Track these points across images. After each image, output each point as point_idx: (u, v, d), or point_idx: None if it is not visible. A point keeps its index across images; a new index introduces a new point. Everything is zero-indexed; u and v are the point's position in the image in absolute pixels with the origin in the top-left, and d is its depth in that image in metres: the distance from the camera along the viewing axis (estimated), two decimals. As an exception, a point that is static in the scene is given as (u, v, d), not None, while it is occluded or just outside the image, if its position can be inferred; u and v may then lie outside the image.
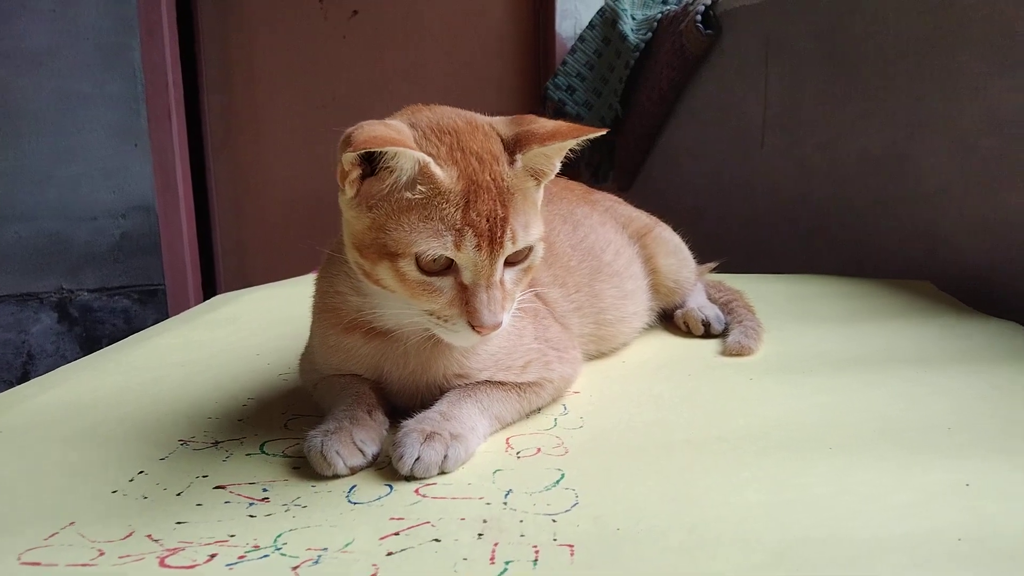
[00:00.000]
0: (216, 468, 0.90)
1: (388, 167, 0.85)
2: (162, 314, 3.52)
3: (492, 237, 0.86)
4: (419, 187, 0.85)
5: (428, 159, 0.85)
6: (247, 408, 1.10)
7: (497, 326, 0.88)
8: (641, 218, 1.46)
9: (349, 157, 0.84)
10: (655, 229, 1.44)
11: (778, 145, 2.41)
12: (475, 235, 0.85)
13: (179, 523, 0.77)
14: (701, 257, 1.67)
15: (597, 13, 3.25)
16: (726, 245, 2.62)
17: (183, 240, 3.55)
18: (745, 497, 0.81)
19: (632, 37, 3.01)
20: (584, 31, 3.28)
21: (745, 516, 0.76)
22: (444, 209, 0.85)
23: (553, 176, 0.96)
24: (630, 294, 1.31)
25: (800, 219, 2.33)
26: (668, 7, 3.02)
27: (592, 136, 0.91)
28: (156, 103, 3.43)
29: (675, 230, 1.53)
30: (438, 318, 0.89)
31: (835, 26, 2.16)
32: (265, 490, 0.84)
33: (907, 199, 1.92)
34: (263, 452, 0.95)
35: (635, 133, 3.10)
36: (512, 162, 0.90)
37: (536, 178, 0.94)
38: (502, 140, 0.91)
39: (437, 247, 0.84)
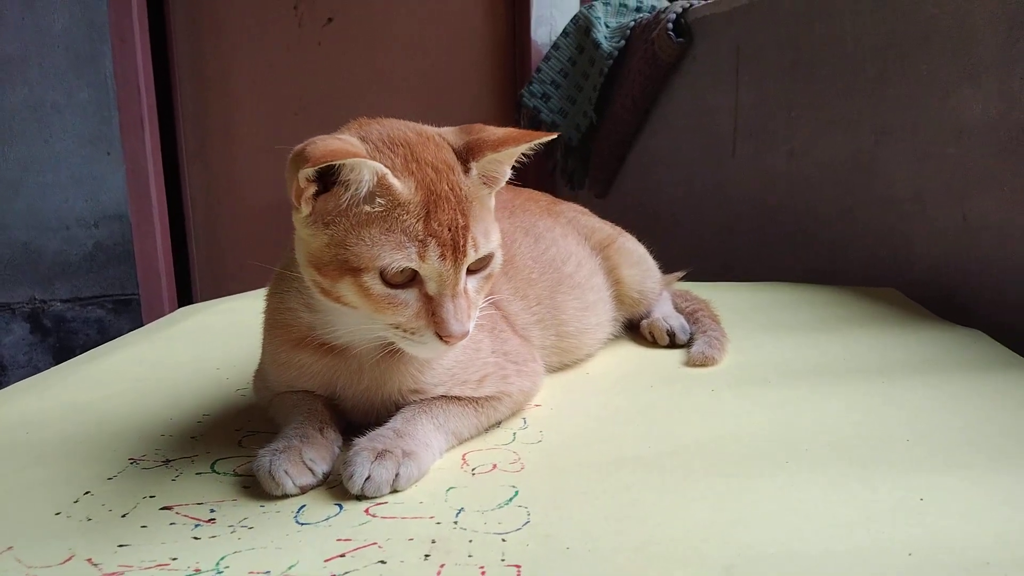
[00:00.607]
0: (164, 488, 0.89)
1: (344, 181, 0.84)
2: (137, 324, 3.48)
3: (455, 246, 0.85)
4: (378, 200, 0.84)
5: (386, 170, 0.84)
6: (202, 425, 1.09)
7: (465, 335, 0.88)
8: (604, 229, 1.46)
9: (306, 173, 0.82)
10: (618, 240, 1.44)
11: (749, 153, 2.43)
12: (438, 245, 0.84)
13: (121, 546, 0.76)
14: (675, 265, 1.67)
15: (571, 21, 3.26)
16: (700, 252, 2.64)
17: (157, 249, 3.52)
18: (694, 514, 0.80)
19: (605, 45, 3.02)
20: (558, 39, 3.29)
21: (693, 533, 0.76)
22: (405, 221, 0.84)
23: (504, 182, 0.95)
24: (592, 306, 1.31)
25: (770, 226, 2.34)
26: (641, 15, 3.03)
27: (543, 140, 0.92)
28: (128, 111, 3.41)
29: (650, 237, 1.53)
30: (404, 331, 0.88)
31: (799, 34, 2.17)
32: (212, 511, 0.83)
33: (874, 206, 1.93)
34: (214, 471, 0.93)
35: (610, 141, 3.10)
36: (467, 171, 0.90)
37: (488, 185, 0.94)
38: (453, 150, 0.91)
39: (401, 259, 0.84)
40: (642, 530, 0.77)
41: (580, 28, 3.19)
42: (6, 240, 3.35)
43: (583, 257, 1.34)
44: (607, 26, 3.10)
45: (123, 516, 0.83)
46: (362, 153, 0.84)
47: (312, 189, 0.85)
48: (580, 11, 3.22)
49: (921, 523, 0.77)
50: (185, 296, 3.83)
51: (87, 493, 0.88)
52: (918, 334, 1.45)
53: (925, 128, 1.75)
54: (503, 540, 0.76)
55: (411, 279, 0.86)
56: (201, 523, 0.80)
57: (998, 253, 1.57)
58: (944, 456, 0.94)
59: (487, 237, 0.90)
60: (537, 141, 0.91)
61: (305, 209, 0.87)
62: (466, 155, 0.90)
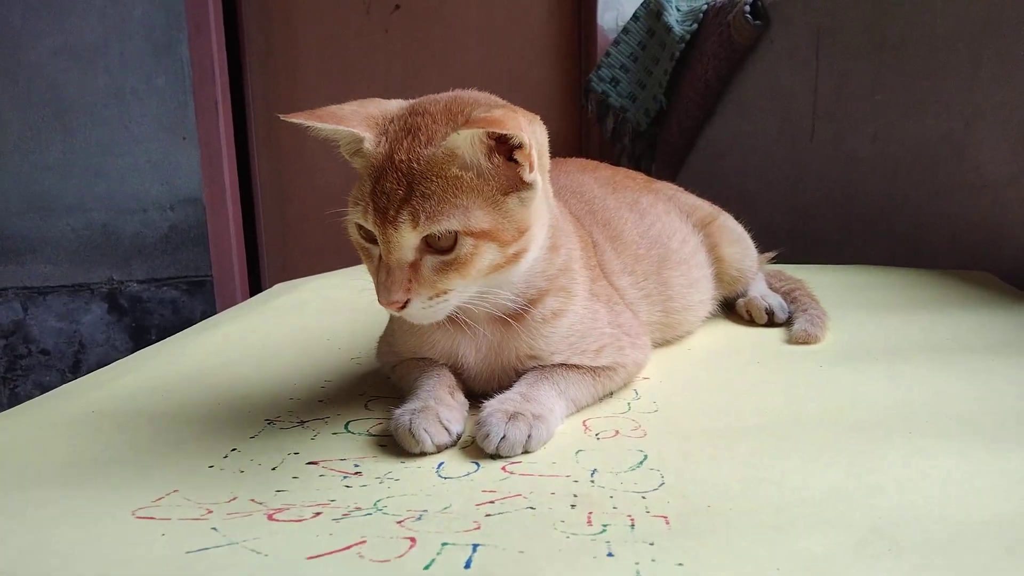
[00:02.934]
0: (306, 446, 0.93)
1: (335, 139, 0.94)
2: (209, 305, 3.58)
3: (385, 215, 0.87)
4: (358, 159, 0.94)
5: (363, 135, 0.91)
6: (326, 390, 1.13)
7: (392, 304, 0.89)
8: (704, 207, 1.47)
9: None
10: (719, 218, 1.44)
11: (828, 137, 2.40)
12: (374, 210, 0.88)
13: (279, 491, 0.81)
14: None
15: (641, 5, 3.24)
16: (775, 237, 2.61)
17: (230, 232, 3.61)
18: (828, 479, 0.81)
19: (677, 28, 3.01)
20: (628, 23, 3.28)
21: (833, 496, 0.77)
22: (365, 181, 0.91)
23: (531, 174, 0.90)
24: (696, 282, 1.32)
25: (850, 211, 2.32)
26: (714, -1, 3.01)
27: (507, 127, 0.85)
28: (203, 97, 3.49)
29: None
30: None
31: (885, 14, 2.14)
32: (356, 465, 0.87)
33: (963, 189, 1.90)
34: (348, 431, 0.97)
35: (680, 125, 3.09)
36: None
37: (509, 176, 0.90)
38: None
39: (354, 213, 0.91)
40: (780, 492, 0.79)
41: (651, 12, 3.18)
42: (87, 222, 3.47)
43: (687, 233, 1.35)
44: (679, 9, 3.08)
45: (273, 469, 0.87)
46: (331, 118, 0.91)
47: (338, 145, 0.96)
48: (650, -5, 3.21)
49: (1058, 491, 0.77)
50: (255, 278, 3.92)
51: (234, 450, 0.93)
52: (1018, 315, 1.43)
53: (1020, 110, 1.72)
54: (643, 498, 0.78)
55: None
56: (349, 475, 0.84)
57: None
58: (1065, 431, 0.93)
59: (432, 217, 0.85)
60: (497, 126, 0.84)
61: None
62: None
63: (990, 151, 1.81)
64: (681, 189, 1.53)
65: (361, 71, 3.86)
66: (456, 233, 0.87)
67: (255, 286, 3.89)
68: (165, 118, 3.49)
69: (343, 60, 3.87)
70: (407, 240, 0.87)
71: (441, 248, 0.88)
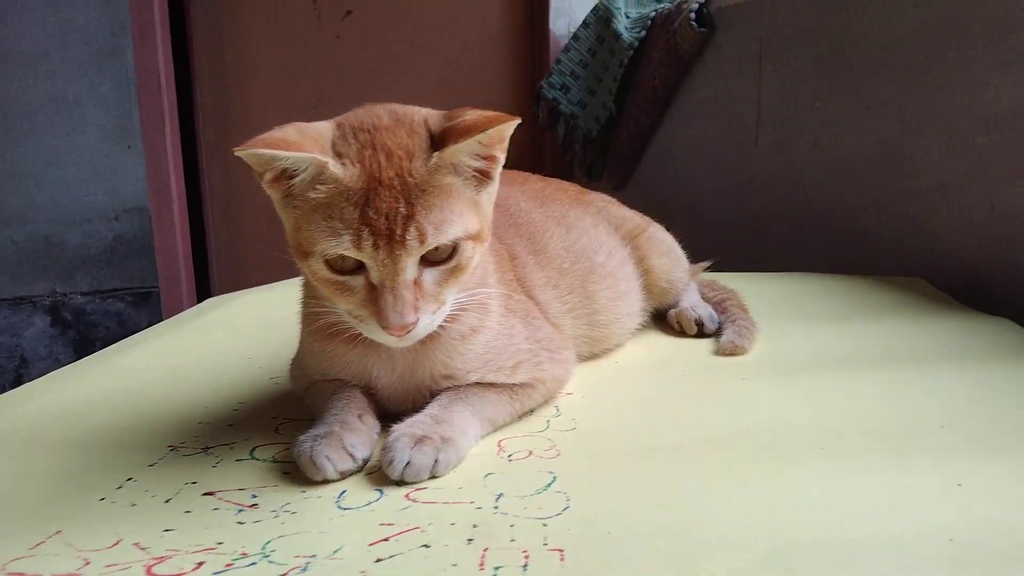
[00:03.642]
0: (206, 474, 0.90)
1: (292, 169, 0.86)
2: (156, 317, 3.51)
3: (391, 235, 0.84)
4: (319, 187, 0.86)
5: (325, 159, 0.85)
6: (238, 413, 1.10)
7: (406, 327, 0.86)
8: (634, 219, 1.46)
9: (248, 157, 0.85)
10: (648, 229, 1.43)
11: (772, 143, 2.41)
12: (371, 234, 0.84)
13: (167, 530, 0.77)
14: (696, 256, 1.67)
15: (591, 11, 3.24)
16: (722, 243, 2.62)
17: (177, 242, 3.54)
18: (734, 500, 0.80)
19: (626, 35, 3.01)
20: (578, 29, 3.27)
21: (734, 519, 0.76)
22: (344, 208, 0.85)
23: (499, 168, 0.93)
24: (623, 295, 1.31)
25: (794, 217, 2.33)
26: (662, 5, 3.01)
27: (507, 125, 0.87)
28: (149, 105, 3.42)
29: (670, 229, 1.53)
30: (354, 317, 0.89)
31: (827, 22, 2.15)
32: (254, 496, 0.84)
33: (902, 196, 1.92)
34: (253, 457, 0.94)
35: (629, 132, 3.09)
36: (428, 158, 0.87)
37: (479, 173, 0.91)
38: (432, 135, 0.89)
39: (335, 245, 0.84)
40: (683, 515, 0.77)
41: (600, 19, 3.18)
42: (28, 233, 3.38)
43: (614, 246, 1.34)
44: (627, 16, 3.08)
45: (167, 501, 0.83)
46: (284, 143, 0.84)
47: (270, 175, 0.87)
48: (600, 2, 3.20)
49: (960, 509, 0.77)
50: (204, 289, 3.86)
51: (130, 479, 0.89)
52: (946, 323, 1.44)
53: (954, 117, 1.74)
54: (544, 525, 0.76)
55: (359, 266, 0.87)
56: (244, 508, 0.81)
57: (1028, 242, 1.56)
58: (979, 443, 0.93)
59: (439, 228, 0.85)
60: (501, 126, 0.87)
61: (273, 194, 0.90)
62: (439, 143, 0.88)
63: (925, 158, 1.83)
64: (613, 201, 1.52)
65: (312, 78, 3.82)
66: (458, 240, 0.88)
67: (204, 297, 3.81)
68: (110, 126, 3.41)
69: (294, 67, 3.82)
70: (414, 258, 0.85)
71: (440, 258, 0.88)
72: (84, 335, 3.51)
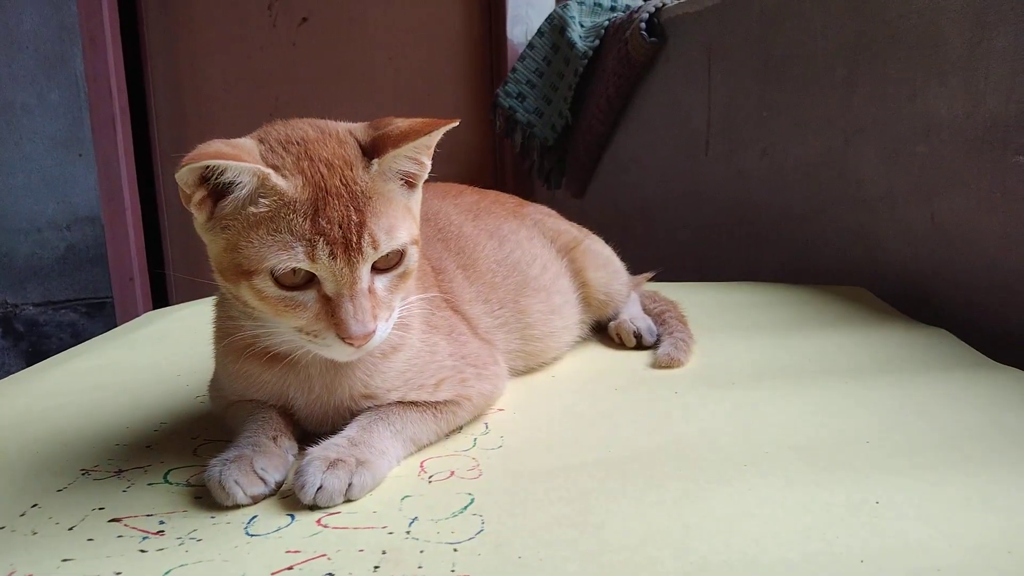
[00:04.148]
0: (114, 499, 0.87)
1: (228, 184, 0.83)
2: (111, 327, 3.43)
3: (347, 243, 0.83)
4: (262, 200, 0.83)
5: (267, 171, 0.83)
6: (158, 433, 1.07)
7: (368, 336, 0.85)
8: (571, 231, 1.45)
9: (181, 176, 0.82)
10: (584, 242, 1.43)
11: (722, 152, 2.42)
12: (327, 243, 0.82)
13: (65, 560, 0.74)
14: (651, 264, 1.67)
15: (546, 20, 3.24)
16: (675, 252, 2.63)
17: (131, 251, 3.48)
18: (650, 521, 0.79)
19: (580, 44, 3.01)
20: (533, 38, 3.27)
21: (649, 541, 0.75)
22: (291, 220, 0.83)
23: (426, 175, 0.94)
24: (557, 308, 1.30)
25: (744, 226, 2.34)
26: (615, 15, 3.02)
27: (444, 129, 0.89)
28: (100, 112, 3.36)
29: (626, 237, 1.53)
30: (306, 334, 0.87)
31: (769, 34, 2.17)
32: (162, 523, 0.81)
33: (845, 205, 1.93)
34: (167, 481, 0.92)
35: (585, 141, 3.09)
36: (368, 166, 0.87)
37: (407, 180, 0.92)
38: (360, 146, 0.89)
39: (287, 259, 0.82)
40: (597, 537, 0.76)
41: (555, 27, 3.18)
42: (-24, 244, 3.31)
43: (548, 260, 1.33)
44: (582, 25, 3.09)
45: (70, 529, 0.81)
46: (235, 155, 0.82)
47: (201, 194, 0.85)
48: (555, 10, 3.21)
49: (875, 528, 0.77)
50: (160, 299, 3.79)
51: (35, 506, 0.86)
52: (885, 334, 1.45)
53: (894, 128, 1.76)
54: (455, 550, 0.75)
55: (308, 280, 0.85)
56: (149, 535, 0.79)
57: (965, 253, 1.58)
58: (905, 458, 0.94)
59: (390, 234, 0.86)
60: (439, 131, 0.88)
61: (200, 215, 0.87)
62: (371, 151, 0.88)
63: (868, 167, 1.85)
64: (552, 213, 1.51)
65: (268, 84, 3.78)
66: (404, 245, 0.88)
67: (160, 307, 3.75)
68: (59, 134, 3.35)
69: (249, 73, 3.78)
70: (368, 265, 0.85)
71: (388, 265, 0.88)
72: (37, 347, 3.43)
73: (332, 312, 0.84)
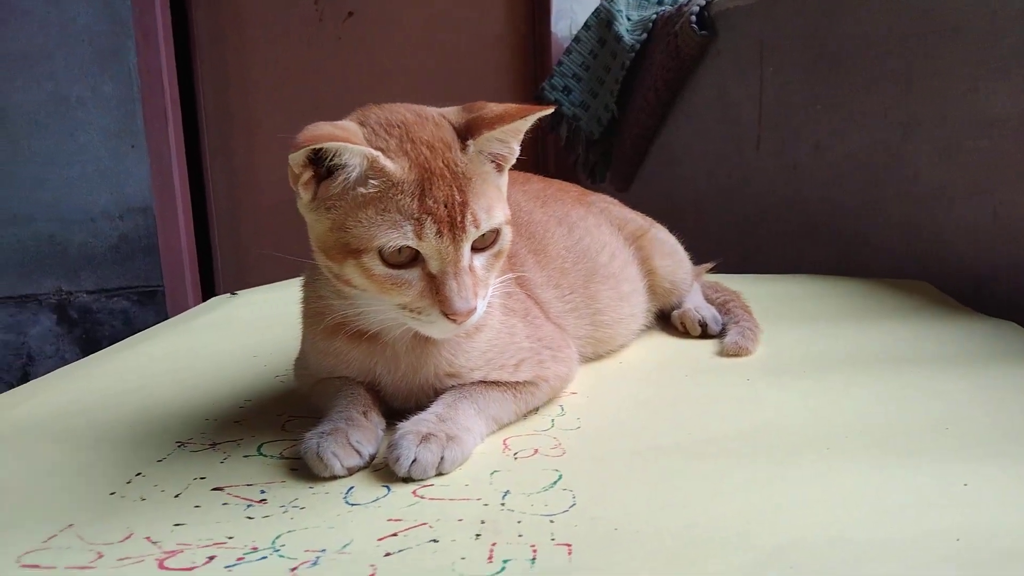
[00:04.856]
0: (214, 470, 0.91)
1: (338, 165, 0.86)
2: (161, 315, 3.52)
3: (452, 222, 0.86)
4: (371, 181, 0.86)
5: (376, 153, 0.86)
6: (244, 410, 1.11)
7: (471, 312, 0.87)
8: (636, 220, 1.47)
9: (295, 157, 0.85)
10: (651, 231, 1.44)
11: (773, 146, 2.42)
12: (434, 222, 0.85)
13: (177, 525, 0.78)
14: (699, 258, 1.67)
15: (592, 14, 3.25)
16: (723, 245, 2.63)
17: (181, 241, 3.56)
18: (737, 499, 0.81)
19: (627, 38, 3.02)
20: (579, 32, 3.28)
21: (739, 518, 0.77)
22: (400, 200, 0.86)
23: (514, 159, 0.96)
24: (626, 296, 1.32)
25: (795, 219, 2.34)
26: (663, 8, 3.02)
27: (540, 114, 0.91)
28: (152, 105, 3.44)
29: (672, 230, 1.53)
30: (411, 311, 0.89)
31: (823, 27, 2.16)
32: (263, 492, 0.85)
33: (901, 199, 1.92)
34: (261, 454, 0.95)
35: (631, 134, 3.10)
36: (465, 148, 0.90)
37: (496, 163, 0.95)
38: (455, 128, 0.92)
39: (397, 238, 0.85)
40: (687, 514, 0.78)
41: (601, 21, 3.19)
42: (32, 232, 3.39)
43: (617, 247, 1.34)
44: (629, 19, 3.09)
45: (176, 496, 0.84)
46: (347, 137, 0.85)
47: (308, 174, 0.88)
48: (601, 4, 3.21)
49: (966, 510, 0.77)
50: (208, 287, 3.87)
51: (139, 474, 0.90)
52: (951, 326, 1.45)
53: (952, 121, 1.75)
54: (551, 521, 0.77)
55: (413, 258, 0.87)
56: (253, 503, 0.82)
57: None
58: (983, 445, 0.94)
59: (489, 213, 0.89)
60: (534, 115, 0.91)
61: (305, 195, 0.89)
62: (466, 133, 0.91)
63: (925, 161, 1.84)
64: (616, 202, 1.53)
65: (314, 78, 3.82)
66: (500, 225, 0.91)
67: (208, 295, 3.83)
68: (113, 126, 3.43)
69: (296, 68, 3.83)
70: (469, 244, 0.88)
71: (485, 244, 0.91)
72: (90, 333, 3.52)
73: (437, 289, 0.87)
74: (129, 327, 3.51)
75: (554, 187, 1.43)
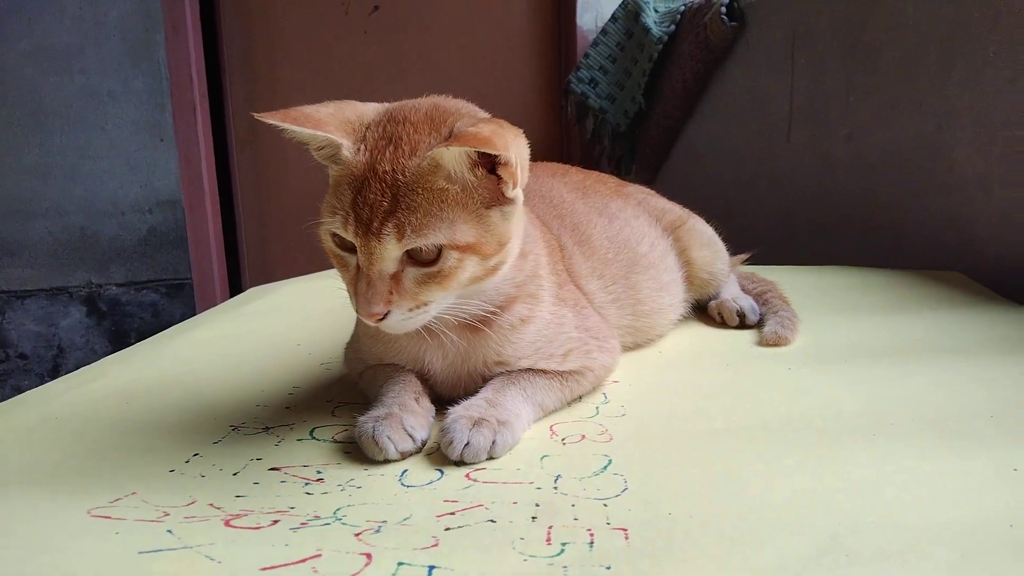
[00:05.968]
0: (269, 451, 0.92)
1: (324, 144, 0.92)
2: (189, 308, 3.56)
3: (369, 227, 0.86)
4: (336, 165, 0.92)
5: (341, 141, 0.89)
6: (293, 396, 1.12)
7: (372, 316, 0.88)
8: (674, 210, 1.47)
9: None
10: (688, 221, 1.45)
11: (805, 138, 2.41)
12: (355, 220, 0.87)
13: (239, 496, 0.80)
14: (729, 249, 1.67)
15: (619, 6, 3.25)
16: (753, 237, 2.62)
17: (209, 234, 3.59)
18: (792, 484, 0.81)
19: (655, 30, 3.01)
20: (606, 24, 3.28)
21: (795, 502, 0.77)
22: (344, 190, 0.88)
23: (511, 194, 0.91)
24: (666, 286, 1.32)
25: (828, 211, 2.33)
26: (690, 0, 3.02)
27: (483, 148, 0.84)
28: (181, 98, 3.47)
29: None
30: (347, 291, 0.93)
31: (858, 17, 2.15)
32: (319, 472, 0.86)
33: (937, 190, 1.91)
34: (313, 437, 0.97)
35: (659, 126, 3.10)
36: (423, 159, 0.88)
37: (489, 191, 0.90)
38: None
39: (331, 223, 0.89)
40: (742, 498, 0.79)
41: (629, 13, 3.18)
42: (64, 225, 3.44)
43: (656, 238, 1.35)
44: (656, 11, 3.09)
45: (234, 474, 0.86)
46: (304, 120, 0.89)
47: (312, 144, 0.93)
48: (629, -4, 3.21)
49: (1019, 494, 0.77)
50: (235, 281, 3.90)
51: (196, 455, 0.92)
52: (989, 315, 1.44)
53: (992, 111, 1.73)
54: (605, 505, 0.78)
55: (354, 246, 0.90)
56: (311, 482, 0.84)
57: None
58: (1034, 432, 0.94)
59: (418, 230, 0.85)
60: (479, 146, 0.83)
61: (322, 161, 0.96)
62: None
63: (962, 152, 1.82)
64: (653, 193, 1.53)
65: (340, 72, 3.85)
66: (441, 247, 0.87)
67: (235, 288, 3.87)
68: (143, 120, 3.47)
69: (322, 61, 3.85)
70: (390, 253, 0.86)
71: (424, 260, 0.88)
72: (119, 325, 3.56)
73: (355, 282, 0.90)
74: (158, 320, 3.55)
75: (592, 178, 1.43)
